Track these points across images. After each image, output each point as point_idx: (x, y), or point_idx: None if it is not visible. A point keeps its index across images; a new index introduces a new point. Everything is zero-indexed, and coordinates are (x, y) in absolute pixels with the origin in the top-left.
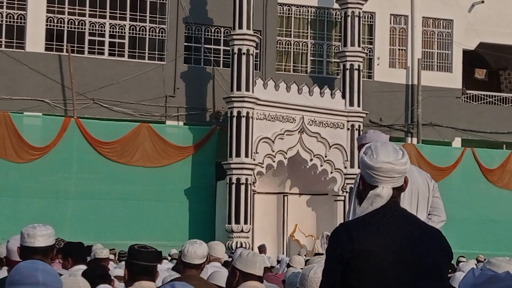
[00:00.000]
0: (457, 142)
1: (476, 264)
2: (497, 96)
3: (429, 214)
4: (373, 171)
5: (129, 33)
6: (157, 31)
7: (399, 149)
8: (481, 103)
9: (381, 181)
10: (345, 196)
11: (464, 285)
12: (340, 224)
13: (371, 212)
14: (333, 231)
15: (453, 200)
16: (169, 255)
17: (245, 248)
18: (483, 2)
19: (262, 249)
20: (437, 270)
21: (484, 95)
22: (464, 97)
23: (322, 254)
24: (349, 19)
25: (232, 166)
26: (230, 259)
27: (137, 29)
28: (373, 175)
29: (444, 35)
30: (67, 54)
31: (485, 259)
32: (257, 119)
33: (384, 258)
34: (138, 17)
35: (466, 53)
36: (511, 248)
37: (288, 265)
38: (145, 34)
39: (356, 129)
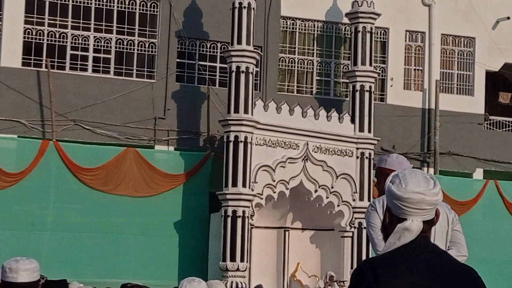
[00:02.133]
0: (478, 174)
1: None
2: None
3: (447, 249)
4: (402, 202)
5: (116, 47)
6: (147, 46)
7: (430, 178)
8: (505, 130)
9: (411, 213)
10: (353, 232)
11: None
12: (365, 260)
13: (399, 248)
14: (357, 268)
15: (474, 238)
16: None
17: None
18: (508, 18)
19: None
20: None
21: (508, 121)
22: (487, 124)
23: None
24: (359, 35)
25: (228, 196)
26: None
27: (125, 43)
28: (402, 206)
29: (465, 55)
30: (46, 70)
31: None
32: (256, 144)
33: None
34: (125, 30)
35: (489, 75)
36: None
37: None
38: (133, 49)
39: (366, 157)
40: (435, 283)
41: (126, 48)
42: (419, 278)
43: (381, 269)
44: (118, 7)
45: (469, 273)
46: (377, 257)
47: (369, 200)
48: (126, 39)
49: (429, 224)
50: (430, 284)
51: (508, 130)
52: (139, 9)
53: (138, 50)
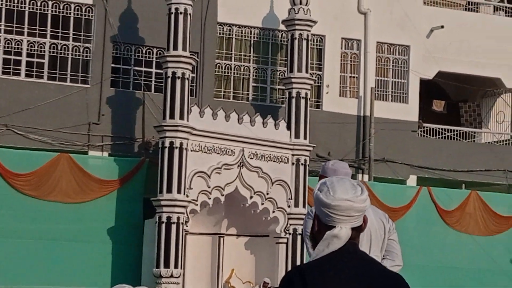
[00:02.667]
0: (412, 180)
1: None
2: (457, 130)
3: (382, 258)
4: (330, 210)
5: (50, 52)
6: (81, 51)
7: (358, 185)
8: (439, 137)
9: (339, 220)
10: (288, 239)
11: None
12: (293, 267)
13: (328, 255)
14: (286, 275)
15: (407, 244)
16: None
17: None
18: (442, 27)
19: None
20: None
21: (442, 129)
22: (421, 131)
23: None
24: (296, 42)
25: (162, 203)
26: None
27: (59, 48)
28: (330, 214)
29: (400, 63)
30: None
31: None
32: (191, 150)
33: None
34: (60, 34)
35: (423, 83)
36: None
37: None
38: (68, 54)
39: (302, 164)
40: None
41: (60, 53)
42: (347, 285)
43: (310, 276)
44: (52, 11)
45: (397, 280)
46: (306, 264)
47: (304, 206)
48: (60, 43)
49: (357, 231)
50: None
51: (442, 137)
52: (74, 14)
53: (72, 54)
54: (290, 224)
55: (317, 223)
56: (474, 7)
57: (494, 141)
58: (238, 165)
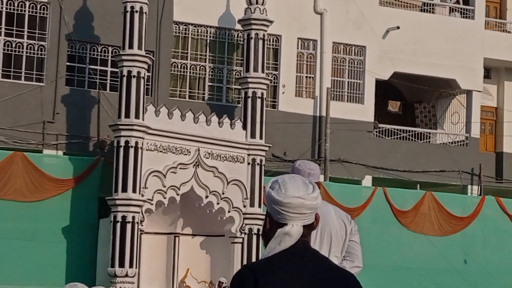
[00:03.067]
0: (367, 181)
1: None
2: (412, 131)
3: (342, 259)
4: (281, 207)
5: (4, 49)
6: (36, 48)
7: (309, 183)
8: (394, 138)
9: (290, 218)
10: (243, 238)
11: None
12: (244, 266)
13: (279, 253)
14: (237, 273)
15: (362, 244)
16: None
17: None
18: (398, 28)
19: None
20: None
21: (397, 129)
22: (376, 131)
23: None
24: (252, 41)
25: (118, 202)
26: None
27: (13, 46)
28: (281, 211)
29: (356, 63)
30: None
31: None
32: (147, 150)
33: None
34: (14, 32)
35: (379, 84)
36: None
37: None
38: (22, 52)
39: (258, 164)
40: (314, 287)
41: (15, 51)
42: (298, 283)
43: (261, 274)
44: (7, 8)
45: (348, 279)
46: (256, 262)
47: (260, 206)
48: (15, 41)
49: (309, 229)
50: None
51: (397, 138)
52: (29, 11)
53: (27, 52)
54: (246, 224)
55: (269, 221)
56: (430, 8)
57: (449, 142)
58: (194, 165)
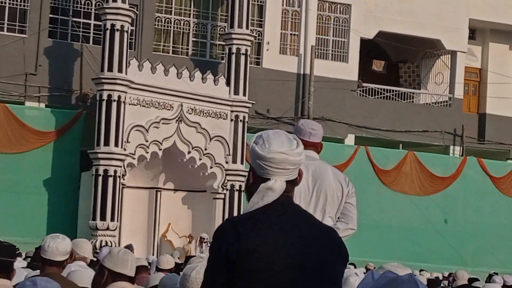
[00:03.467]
0: (350, 139)
1: (364, 273)
2: (395, 90)
3: (337, 220)
4: (265, 162)
5: None
6: (19, 0)
7: (294, 139)
8: (377, 97)
9: (274, 173)
10: (225, 194)
11: None
12: (227, 220)
13: (262, 207)
14: (219, 227)
15: None
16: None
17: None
18: None
19: (129, 249)
20: (332, 274)
21: (381, 89)
22: (360, 91)
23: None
24: None
25: (100, 155)
26: (95, 259)
27: None
28: (265, 166)
29: (340, 21)
30: None
31: (374, 268)
32: (129, 104)
33: (274, 259)
34: None
35: (364, 42)
36: (404, 257)
37: (157, 268)
38: (5, 3)
39: (241, 120)
40: (296, 242)
41: None
42: (280, 237)
43: (243, 228)
44: None
45: (329, 234)
46: (239, 216)
47: (242, 163)
48: None
49: (292, 184)
50: (291, 243)
51: (380, 97)
52: None
53: (9, 3)
54: (228, 180)
55: (252, 176)
56: None
57: (432, 102)
58: (177, 120)
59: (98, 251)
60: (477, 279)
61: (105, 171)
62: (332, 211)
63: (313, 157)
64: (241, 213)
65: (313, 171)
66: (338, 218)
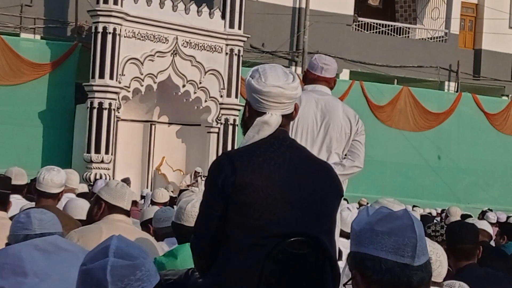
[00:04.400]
0: (345, 74)
1: (357, 209)
2: (391, 25)
3: (343, 157)
4: (261, 96)
5: None
6: None
7: (290, 73)
8: (373, 32)
9: (270, 107)
10: (219, 128)
11: (358, 224)
12: (222, 153)
13: (258, 142)
14: (215, 161)
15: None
16: None
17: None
18: None
19: (126, 183)
20: (327, 209)
21: (377, 23)
22: (356, 25)
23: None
24: None
25: (95, 88)
26: (89, 191)
27: None
28: (261, 100)
29: None
30: None
31: (367, 203)
32: (125, 37)
33: (269, 193)
34: None
35: None
36: (397, 193)
37: (152, 201)
38: None
39: (236, 54)
40: (291, 175)
41: None
42: (276, 171)
43: (239, 162)
44: None
45: (324, 168)
46: (235, 150)
47: (236, 97)
48: None
49: (287, 119)
50: (286, 176)
51: (376, 32)
52: None
53: None
54: (222, 114)
55: (248, 110)
56: None
57: (428, 38)
58: (172, 53)
59: (92, 183)
60: (470, 216)
61: (100, 103)
62: (339, 147)
63: (324, 92)
64: (235, 147)
65: (323, 106)
66: (345, 155)
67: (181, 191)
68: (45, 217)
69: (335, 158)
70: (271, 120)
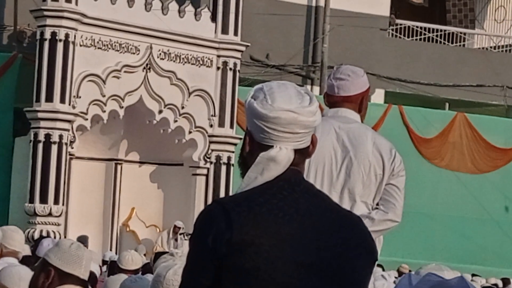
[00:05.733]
0: (378, 96)
1: (396, 278)
2: (441, 30)
3: (374, 208)
4: (267, 123)
5: None
6: None
7: (305, 93)
8: (416, 39)
9: (278, 138)
10: (208, 169)
11: None
12: (214, 201)
13: (261, 185)
14: (203, 212)
15: None
16: None
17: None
18: None
19: (82, 243)
20: (355, 276)
21: (421, 28)
22: (392, 30)
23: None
24: None
25: (40, 115)
26: (31, 254)
27: None
28: (266, 129)
29: None
30: None
31: (410, 271)
32: (81, 45)
33: (277, 255)
34: None
35: None
36: (449, 257)
37: (118, 268)
38: None
39: (231, 69)
40: (306, 232)
41: None
42: (286, 225)
43: (236, 213)
44: None
45: (352, 222)
46: (231, 197)
47: (231, 126)
48: None
49: (302, 155)
50: (301, 233)
51: (420, 39)
52: None
53: None
54: (212, 150)
55: (249, 142)
56: None
57: (491, 47)
58: (144, 68)
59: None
60: None
61: (47, 136)
62: (366, 194)
63: (349, 118)
64: (230, 193)
65: (345, 138)
66: (377, 204)
67: (157, 254)
68: None
69: (361, 208)
70: (280, 156)
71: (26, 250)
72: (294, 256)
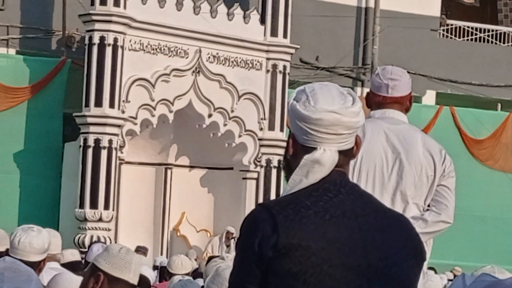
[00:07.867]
0: (429, 97)
1: (449, 281)
2: (492, 30)
3: (426, 209)
4: (310, 125)
5: None
6: None
7: (348, 94)
8: (467, 39)
9: (322, 140)
10: (258, 173)
11: None
12: (259, 205)
13: (306, 188)
14: (249, 216)
15: None
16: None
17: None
18: None
19: (140, 252)
20: (403, 277)
21: (472, 28)
22: (443, 30)
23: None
24: None
25: (89, 120)
26: (83, 259)
27: None
28: (309, 131)
29: None
30: None
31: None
32: (130, 50)
33: (324, 258)
34: None
35: None
36: (503, 260)
37: (168, 272)
38: None
39: (280, 72)
40: (354, 233)
41: None
42: (332, 227)
43: (282, 216)
44: None
45: (400, 223)
46: (275, 200)
47: (282, 130)
48: None
49: (346, 156)
50: (347, 235)
51: (472, 39)
52: None
53: None
54: (262, 153)
55: (292, 145)
56: None
57: None
58: (193, 72)
59: (87, 250)
60: None
61: (97, 141)
62: (418, 195)
63: (397, 119)
64: (280, 195)
65: (395, 139)
66: (428, 206)
67: (210, 258)
68: None
69: (413, 210)
70: (324, 158)
71: (75, 256)
72: (342, 258)
